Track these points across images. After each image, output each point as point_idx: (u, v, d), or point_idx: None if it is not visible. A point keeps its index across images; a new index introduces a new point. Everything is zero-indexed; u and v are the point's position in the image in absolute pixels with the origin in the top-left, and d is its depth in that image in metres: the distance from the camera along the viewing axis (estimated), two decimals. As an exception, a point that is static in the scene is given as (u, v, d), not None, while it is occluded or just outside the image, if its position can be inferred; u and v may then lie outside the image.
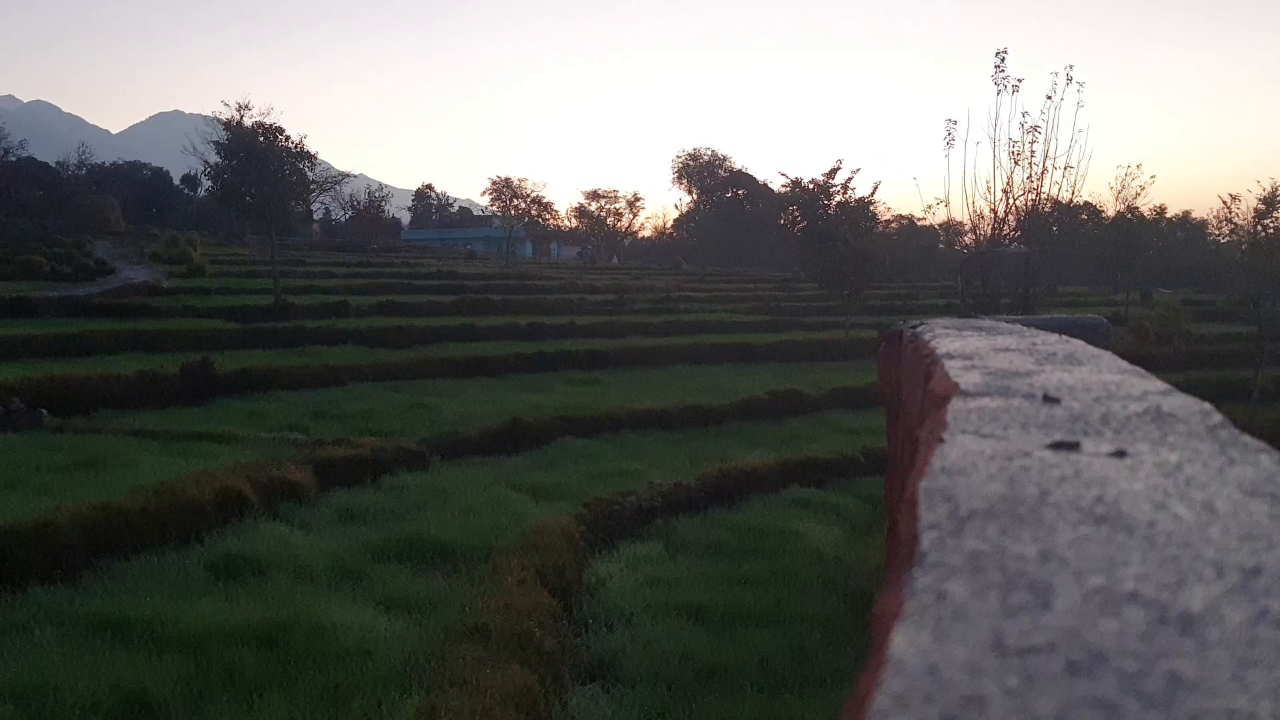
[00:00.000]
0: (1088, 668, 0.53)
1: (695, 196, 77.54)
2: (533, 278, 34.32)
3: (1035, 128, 19.48)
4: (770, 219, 41.66)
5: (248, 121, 22.80)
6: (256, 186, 22.26)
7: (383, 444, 10.18)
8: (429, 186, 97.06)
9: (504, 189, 45.85)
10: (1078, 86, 19.54)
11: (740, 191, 75.51)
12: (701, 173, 77.29)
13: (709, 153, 77.92)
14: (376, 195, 46.96)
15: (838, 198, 26.87)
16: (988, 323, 3.18)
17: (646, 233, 76.45)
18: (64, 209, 44.33)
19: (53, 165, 61.17)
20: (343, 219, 66.13)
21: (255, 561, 6.38)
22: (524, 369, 18.13)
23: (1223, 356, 23.92)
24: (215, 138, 22.92)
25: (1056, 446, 1.07)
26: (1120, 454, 1.04)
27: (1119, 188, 37.61)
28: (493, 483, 9.34)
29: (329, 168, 31.61)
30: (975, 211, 20.21)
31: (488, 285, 29.91)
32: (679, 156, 77.49)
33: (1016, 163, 19.64)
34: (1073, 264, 42.00)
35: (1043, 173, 19.64)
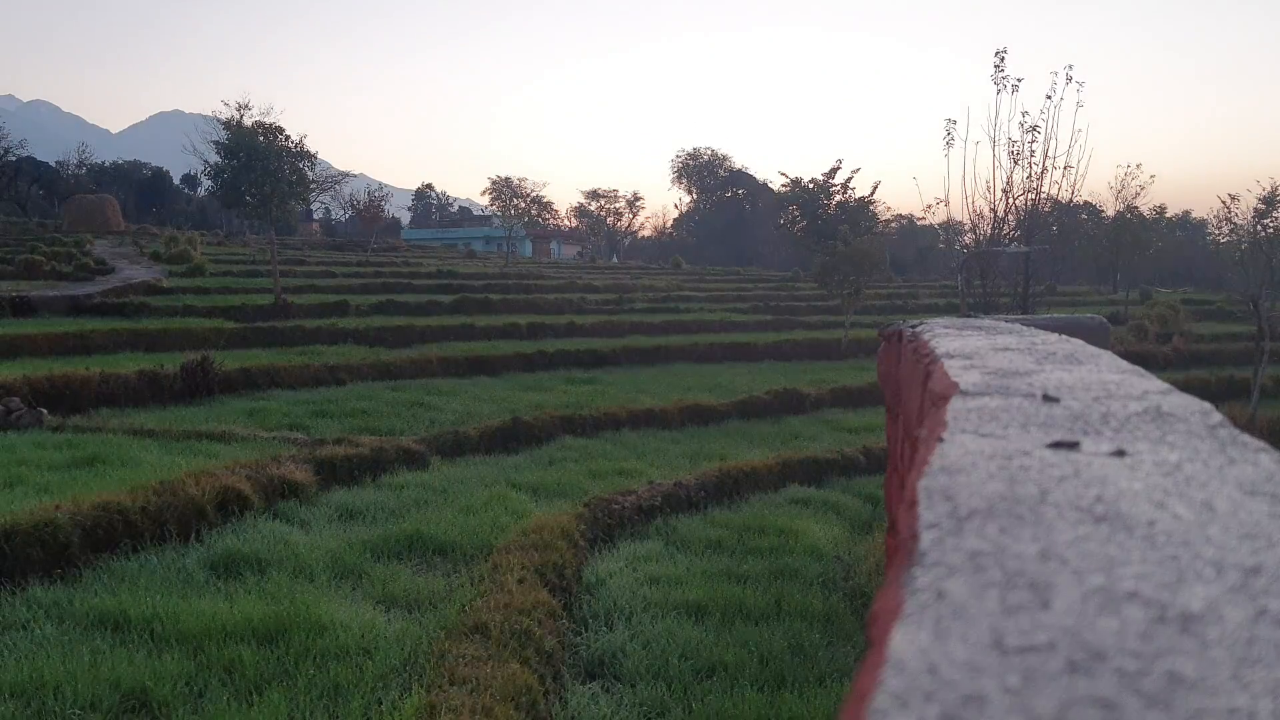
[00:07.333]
0: (1087, 666, 0.53)
1: (695, 196, 77.63)
2: (533, 277, 34.32)
3: (1035, 127, 19.55)
4: (770, 219, 41.64)
5: (248, 121, 22.79)
6: (256, 186, 22.26)
7: (383, 443, 10.18)
8: (429, 186, 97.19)
9: (504, 188, 45.86)
10: (1077, 86, 19.62)
11: (740, 191, 75.59)
12: (701, 172, 77.39)
13: (709, 152, 78.13)
14: (376, 195, 46.91)
15: (837, 197, 26.89)
16: (987, 322, 3.17)
17: (646, 232, 76.56)
18: (64, 208, 44.33)
19: (53, 165, 61.19)
20: (343, 219, 66.11)
21: (255, 560, 6.38)
22: (524, 368, 18.14)
23: (1223, 356, 23.94)
24: (215, 137, 22.91)
25: (1056, 446, 1.07)
26: (1120, 453, 1.04)
27: (1119, 187, 37.70)
28: (493, 481, 9.35)
29: (329, 167, 31.60)
30: (975, 211, 20.27)
31: (488, 285, 29.91)
32: (679, 156, 77.77)
33: (1016, 162, 19.70)
34: (1072, 263, 42.03)
35: (1042, 172, 19.71)
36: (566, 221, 67.92)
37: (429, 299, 25.44)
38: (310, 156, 23.67)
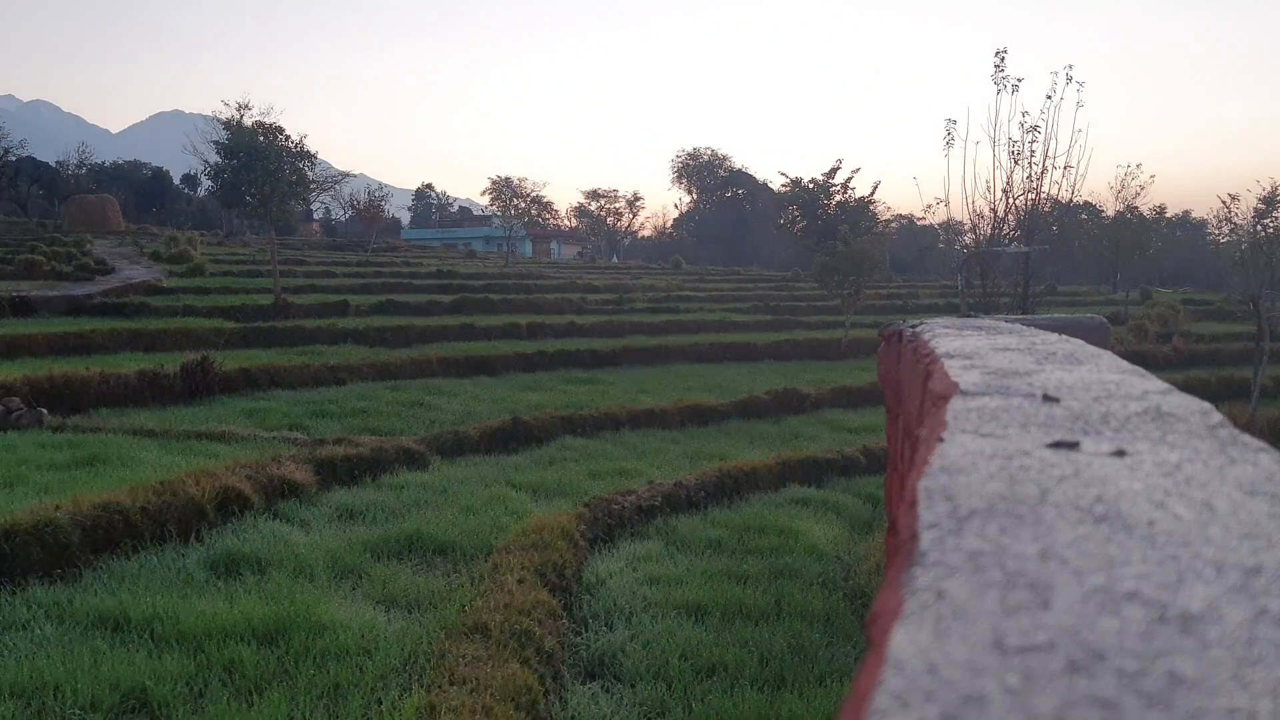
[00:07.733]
0: (1087, 666, 0.53)
1: (695, 196, 77.68)
2: (533, 277, 34.31)
3: (1035, 127, 19.56)
4: (770, 219, 41.71)
5: (247, 121, 22.79)
6: (256, 186, 22.26)
7: (383, 443, 10.18)
8: (429, 186, 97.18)
9: (504, 188, 45.84)
10: (1077, 86, 19.63)
11: (740, 191, 75.63)
12: (701, 172, 77.43)
13: (709, 152, 78.16)
14: (376, 195, 46.89)
15: (837, 197, 26.92)
16: (987, 322, 3.17)
17: (646, 232, 76.58)
18: (64, 208, 44.34)
19: (53, 165, 61.16)
20: (343, 219, 66.12)
21: (255, 560, 6.38)
22: (524, 368, 18.14)
23: (1223, 356, 23.96)
24: (215, 137, 22.90)
25: (1056, 446, 1.07)
26: (1120, 453, 1.04)
27: (1119, 187, 37.74)
28: (493, 481, 9.35)
29: (329, 167, 31.59)
30: (975, 211, 20.28)
31: (488, 285, 29.91)
32: (679, 156, 77.79)
33: (1016, 162, 19.71)
34: (1073, 263, 42.05)
35: (1042, 172, 19.71)
36: (566, 221, 67.92)
37: (429, 299, 25.44)
38: (310, 156, 23.66)
